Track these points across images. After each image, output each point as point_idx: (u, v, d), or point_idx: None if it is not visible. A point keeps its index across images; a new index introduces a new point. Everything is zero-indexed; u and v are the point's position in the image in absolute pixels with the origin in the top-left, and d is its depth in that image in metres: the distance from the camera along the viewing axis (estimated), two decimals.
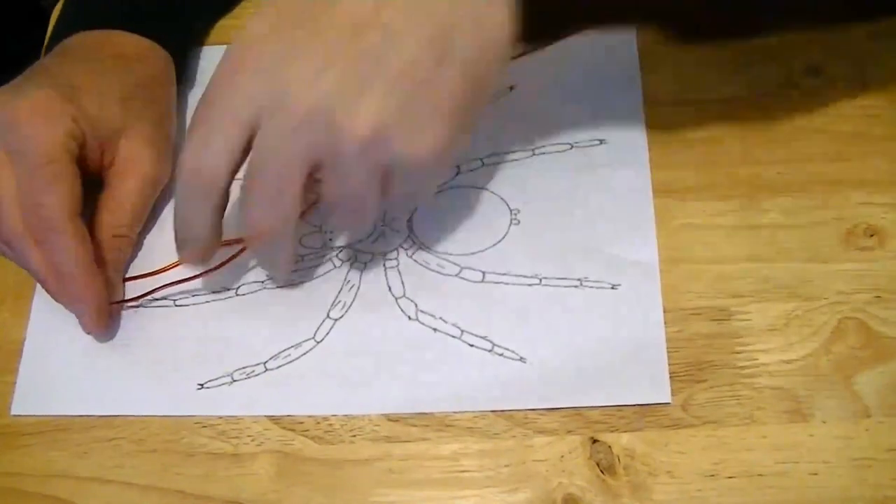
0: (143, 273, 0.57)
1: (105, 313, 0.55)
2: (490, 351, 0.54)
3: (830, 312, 0.54)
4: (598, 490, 0.51)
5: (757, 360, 0.53)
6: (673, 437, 0.51)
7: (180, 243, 0.53)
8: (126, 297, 0.57)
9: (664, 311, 0.54)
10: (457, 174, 0.59)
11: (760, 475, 0.50)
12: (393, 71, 0.46)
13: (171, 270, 0.55)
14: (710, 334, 0.54)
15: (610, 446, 0.51)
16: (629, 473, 0.51)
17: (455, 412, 0.53)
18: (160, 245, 0.59)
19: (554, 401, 0.53)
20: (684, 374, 0.53)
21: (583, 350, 0.53)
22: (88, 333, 0.56)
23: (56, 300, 0.56)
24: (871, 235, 0.56)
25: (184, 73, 0.63)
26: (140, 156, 0.57)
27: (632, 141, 0.59)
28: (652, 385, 0.52)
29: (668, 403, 0.52)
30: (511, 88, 0.62)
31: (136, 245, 0.59)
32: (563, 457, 0.52)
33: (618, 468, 0.51)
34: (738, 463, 0.51)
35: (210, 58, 0.66)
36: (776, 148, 0.59)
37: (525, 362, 0.54)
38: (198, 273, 0.56)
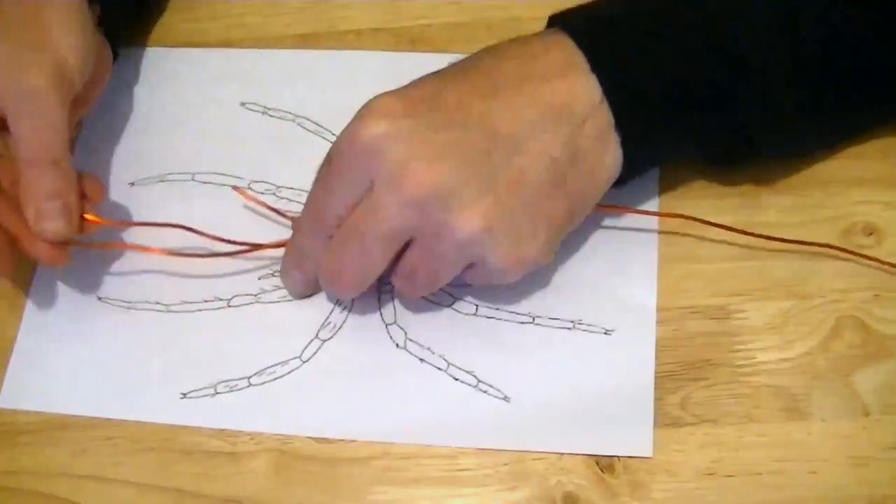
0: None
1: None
2: (474, 387, 0.53)
3: (828, 311, 0.54)
4: (596, 488, 0.51)
5: (755, 358, 0.53)
6: (671, 435, 0.51)
7: (285, 269, 0.56)
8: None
9: (660, 310, 0.54)
10: None
11: (759, 474, 0.50)
12: (509, 181, 0.49)
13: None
14: (707, 333, 0.54)
15: None
16: (628, 472, 0.51)
17: (432, 445, 0.52)
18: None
19: (533, 444, 0.52)
20: (682, 372, 0.53)
21: (568, 395, 0.53)
22: (45, 261, 0.54)
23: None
24: (870, 234, 0.56)
25: None
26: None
27: (641, 184, 0.56)
28: (635, 437, 0.51)
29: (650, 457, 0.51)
30: None
31: None
32: (561, 455, 0.51)
33: (617, 466, 0.51)
34: (737, 461, 0.51)
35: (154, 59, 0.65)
36: None
37: (508, 401, 0.53)
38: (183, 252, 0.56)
